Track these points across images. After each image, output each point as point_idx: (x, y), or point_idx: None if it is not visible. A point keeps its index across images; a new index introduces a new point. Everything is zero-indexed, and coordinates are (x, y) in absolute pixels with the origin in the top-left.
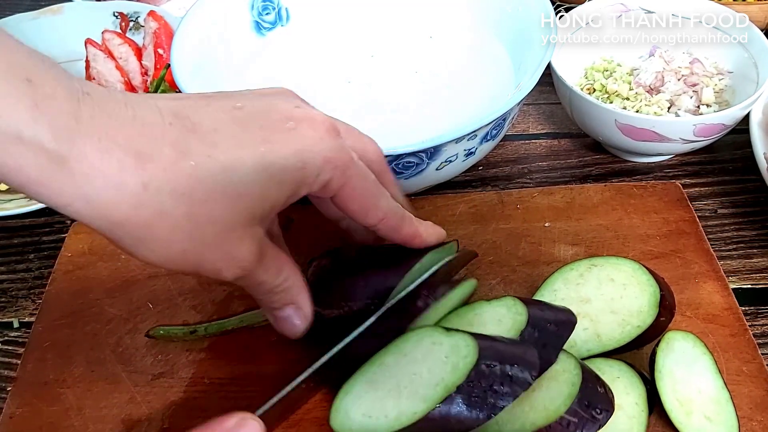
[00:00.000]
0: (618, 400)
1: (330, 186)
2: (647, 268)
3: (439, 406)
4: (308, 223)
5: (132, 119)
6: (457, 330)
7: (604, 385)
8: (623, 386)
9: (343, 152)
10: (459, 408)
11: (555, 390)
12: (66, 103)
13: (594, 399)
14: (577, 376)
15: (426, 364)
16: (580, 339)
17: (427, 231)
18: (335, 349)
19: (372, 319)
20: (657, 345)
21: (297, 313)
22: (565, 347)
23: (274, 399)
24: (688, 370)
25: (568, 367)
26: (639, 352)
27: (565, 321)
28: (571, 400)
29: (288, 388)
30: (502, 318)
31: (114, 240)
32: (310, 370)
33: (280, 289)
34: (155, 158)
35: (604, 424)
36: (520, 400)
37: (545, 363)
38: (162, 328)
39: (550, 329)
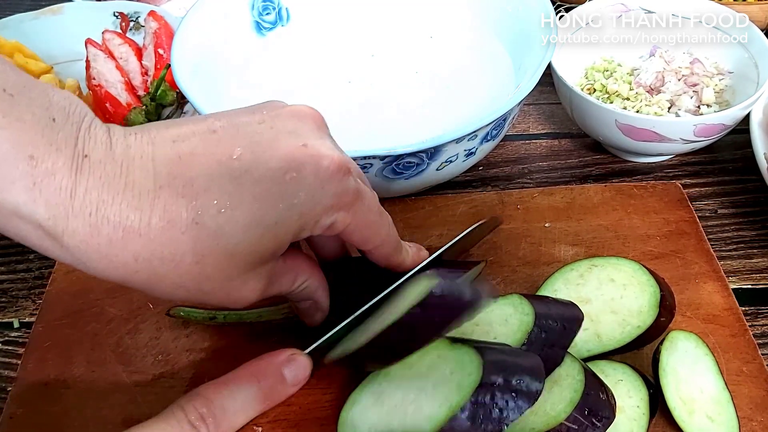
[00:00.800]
0: (620, 403)
1: (334, 227)
2: (647, 269)
3: (443, 427)
4: None
5: (124, 189)
6: (462, 342)
7: (606, 391)
8: (626, 389)
9: (348, 194)
10: (464, 426)
11: (557, 395)
12: (64, 178)
13: (595, 406)
14: (580, 382)
15: (431, 379)
16: (581, 339)
17: (412, 258)
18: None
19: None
20: (661, 343)
21: (314, 306)
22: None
23: (322, 339)
24: (690, 369)
25: (571, 371)
26: (639, 352)
27: (572, 318)
28: (573, 407)
29: (332, 332)
30: (508, 318)
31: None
32: (352, 317)
33: (297, 291)
34: (143, 232)
35: (605, 430)
36: None
37: (551, 364)
38: (182, 309)
39: (557, 328)
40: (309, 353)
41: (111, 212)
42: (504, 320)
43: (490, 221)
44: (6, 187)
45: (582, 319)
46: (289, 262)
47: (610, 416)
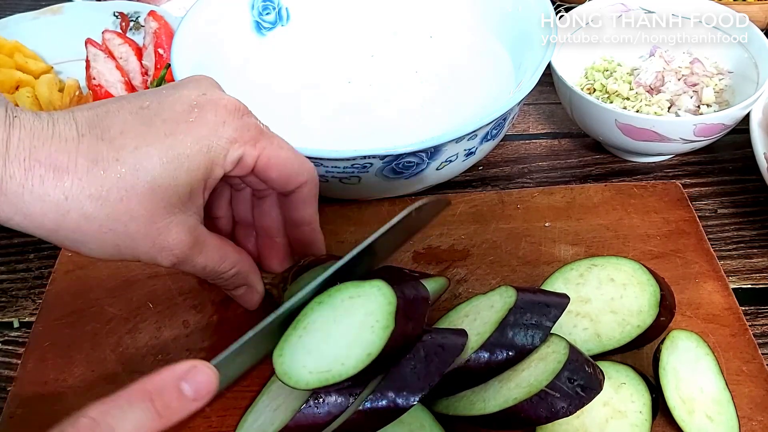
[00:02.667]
0: (622, 407)
1: (245, 161)
2: (647, 268)
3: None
4: None
5: (51, 136)
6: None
7: (594, 366)
8: (629, 393)
9: (249, 129)
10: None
11: (542, 368)
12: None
13: (578, 376)
14: (564, 355)
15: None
16: (580, 339)
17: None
18: (281, 310)
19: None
20: (662, 343)
21: (250, 290)
22: None
23: (229, 350)
24: (691, 369)
25: (557, 348)
26: (639, 352)
27: (558, 303)
28: (554, 375)
29: (243, 339)
30: (494, 304)
31: (56, 244)
32: (260, 326)
33: (229, 274)
34: (71, 170)
35: (588, 401)
36: (507, 377)
37: (531, 345)
38: None
39: (539, 308)
40: (217, 364)
41: (42, 155)
42: (490, 306)
43: (434, 203)
44: None
45: (567, 302)
46: (216, 241)
47: (595, 388)
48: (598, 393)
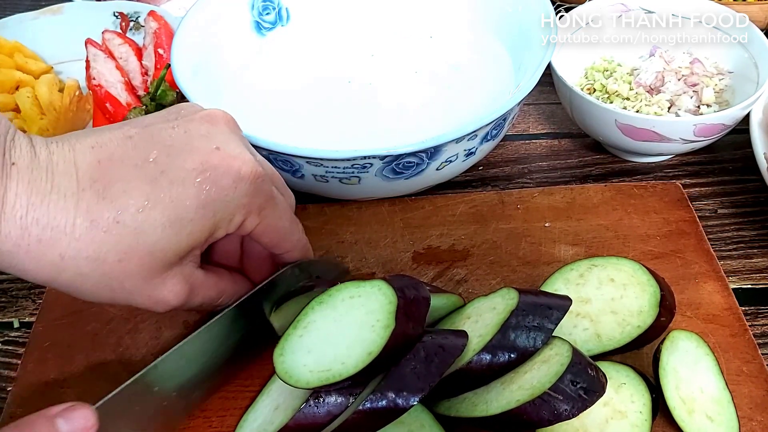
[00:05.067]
0: (623, 408)
1: (245, 226)
2: (647, 268)
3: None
4: (308, 223)
5: (50, 192)
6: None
7: (596, 369)
8: (629, 393)
9: (260, 196)
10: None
11: (545, 371)
12: None
13: (581, 379)
14: (567, 358)
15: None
16: (581, 339)
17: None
18: (182, 343)
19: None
20: (662, 343)
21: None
22: None
23: (115, 391)
24: (691, 369)
25: (560, 351)
26: (639, 352)
27: (560, 305)
28: (557, 378)
29: (129, 381)
30: (496, 305)
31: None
32: (159, 358)
33: (224, 303)
34: (68, 231)
35: (591, 404)
36: (509, 379)
37: (533, 348)
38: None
39: (541, 309)
40: (98, 407)
41: (39, 214)
42: (492, 308)
43: (328, 266)
44: None
45: (569, 306)
46: (213, 279)
47: (598, 390)
48: (601, 396)
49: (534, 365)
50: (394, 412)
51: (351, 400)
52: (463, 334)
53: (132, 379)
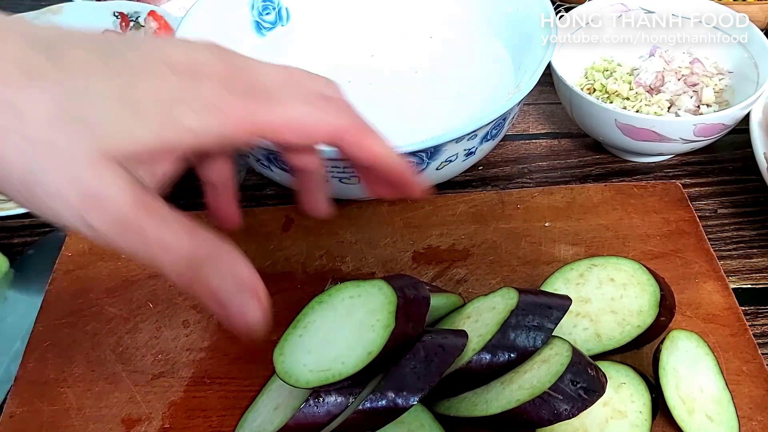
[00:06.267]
0: (622, 407)
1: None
2: (647, 268)
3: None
4: (308, 223)
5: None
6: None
7: (596, 368)
8: (629, 393)
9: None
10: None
11: (544, 370)
12: None
13: (581, 378)
14: (567, 357)
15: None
16: (581, 339)
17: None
18: None
19: None
20: (662, 342)
21: (248, 301)
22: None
23: None
24: (691, 369)
25: (560, 351)
26: (639, 352)
27: (560, 305)
28: (557, 378)
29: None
30: (496, 305)
31: None
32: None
33: (212, 272)
34: (8, 81)
35: (591, 404)
36: (509, 379)
37: (533, 347)
38: None
39: (543, 311)
40: None
41: None
42: (491, 308)
43: None
44: None
45: (569, 306)
46: (181, 216)
47: (598, 390)
48: (601, 395)
49: (534, 365)
50: (393, 412)
51: (351, 400)
52: (463, 334)
53: None
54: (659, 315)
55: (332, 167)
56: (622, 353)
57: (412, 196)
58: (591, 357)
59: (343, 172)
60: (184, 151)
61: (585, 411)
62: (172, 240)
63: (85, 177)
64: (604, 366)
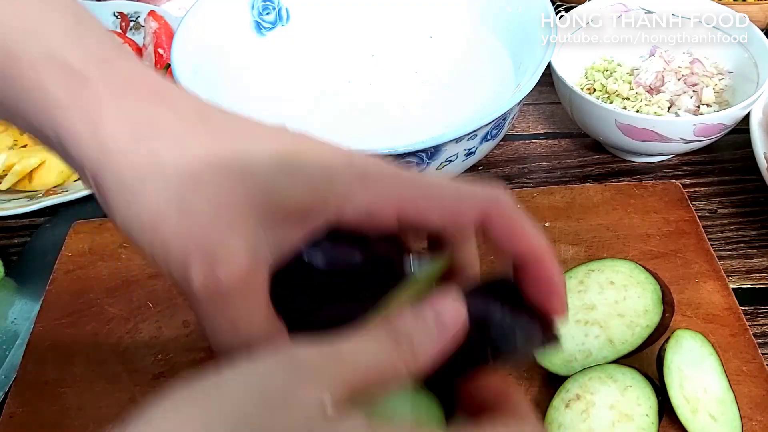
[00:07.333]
0: (629, 411)
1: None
2: (643, 266)
3: None
4: None
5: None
6: None
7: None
8: (635, 396)
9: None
10: None
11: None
12: None
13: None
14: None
15: None
16: (594, 347)
17: None
18: None
19: None
20: (666, 342)
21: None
22: (580, 358)
23: None
24: (695, 368)
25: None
26: (641, 353)
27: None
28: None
29: None
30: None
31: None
32: None
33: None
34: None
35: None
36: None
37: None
38: None
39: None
40: None
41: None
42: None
43: None
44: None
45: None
46: (271, 314)
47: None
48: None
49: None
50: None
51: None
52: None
53: None
54: (664, 312)
55: None
56: (636, 356)
57: (552, 310)
58: (608, 363)
59: None
60: None
61: (591, 413)
62: (243, 324)
63: (213, 238)
64: (610, 370)
